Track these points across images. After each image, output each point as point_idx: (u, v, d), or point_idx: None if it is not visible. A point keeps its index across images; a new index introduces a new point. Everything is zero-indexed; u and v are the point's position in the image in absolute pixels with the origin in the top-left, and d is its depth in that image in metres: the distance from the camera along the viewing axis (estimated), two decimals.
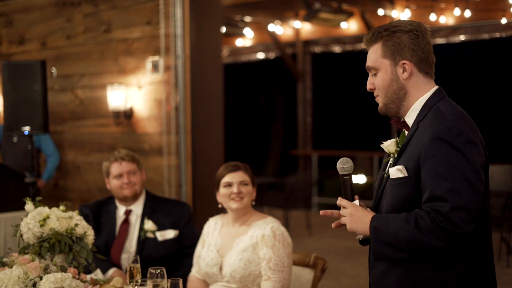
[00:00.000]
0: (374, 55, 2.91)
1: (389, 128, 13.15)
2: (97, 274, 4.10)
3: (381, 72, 2.90)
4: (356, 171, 14.05)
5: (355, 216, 2.86)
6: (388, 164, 2.94)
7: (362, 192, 13.51)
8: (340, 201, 2.94)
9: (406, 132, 2.91)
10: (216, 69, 6.90)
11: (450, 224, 2.60)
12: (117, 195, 4.74)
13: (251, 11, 12.48)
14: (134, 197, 4.73)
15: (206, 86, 6.73)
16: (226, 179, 4.14)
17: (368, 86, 2.97)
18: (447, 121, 2.72)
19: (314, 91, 14.57)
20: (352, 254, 9.43)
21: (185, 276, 4.32)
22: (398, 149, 2.88)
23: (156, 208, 4.75)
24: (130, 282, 3.65)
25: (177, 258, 4.68)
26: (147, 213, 4.71)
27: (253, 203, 4.21)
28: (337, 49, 13.43)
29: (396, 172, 2.80)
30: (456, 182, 2.64)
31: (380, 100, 2.95)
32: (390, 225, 2.73)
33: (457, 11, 10.93)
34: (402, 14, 11.83)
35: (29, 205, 3.64)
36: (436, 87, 2.93)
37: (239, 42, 14.10)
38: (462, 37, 11.75)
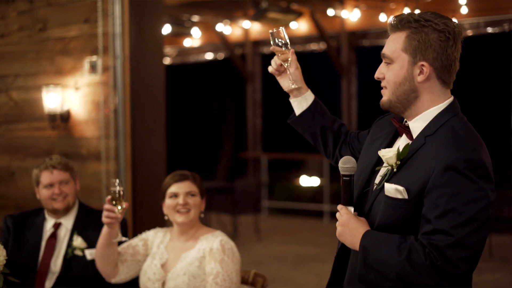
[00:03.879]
0: (394, 45, 2.63)
1: None
2: None
3: (396, 66, 2.63)
4: (306, 174, 13.87)
5: (347, 228, 2.64)
6: (383, 175, 2.64)
7: (314, 195, 13.44)
8: (338, 206, 2.72)
9: (402, 141, 2.66)
10: (158, 69, 6.64)
11: (447, 262, 2.38)
12: (47, 207, 4.39)
13: (199, 10, 12.28)
14: (66, 210, 4.39)
15: (147, 87, 6.46)
16: (172, 189, 3.89)
17: (377, 75, 2.70)
18: (467, 150, 2.45)
19: (264, 92, 14.41)
20: (302, 261, 9.22)
21: None
22: (399, 162, 2.59)
23: (89, 223, 4.37)
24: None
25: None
26: (77, 228, 4.34)
27: (202, 215, 3.95)
28: None
29: (394, 191, 2.53)
30: (464, 218, 2.39)
31: (386, 93, 2.68)
32: (381, 249, 2.50)
33: (407, 12, 10.79)
34: (351, 14, 11.71)
35: None
36: (451, 98, 2.66)
37: (187, 42, 13.86)
38: None
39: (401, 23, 2.62)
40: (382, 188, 2.62)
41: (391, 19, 2.69)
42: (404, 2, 10.82)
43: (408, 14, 2.64)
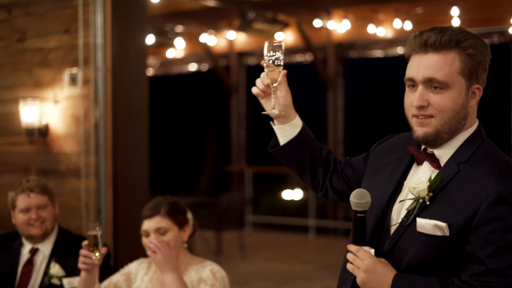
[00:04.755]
0: (448, 67, 2.28)
1: (324, 141, 12.80)
2: None
3: (453, 92, 2.29)
4: (291, 187, 13.67)
5: (374, 274, 2.28)
6: (411, 209, 2.33)
7: (300, 210, 13.23)
8: (351, 246, 2.35)
9: (425, 170, 2.38)
10: (141, 82, 6.42)
11: None
12: (23, 233, 4.10)
13: (182, 20, 12.10)
14: (44, 236, 4.09)
15: (130, 101, 6.25)
16: (144, 226, 3.60)
17: (420, 103, 2.32)
18: None
19: (249, 104, 14.20)
20: (288, 279, 9.01)
21: None
22: (431, 194, 2.27)
23: (68, 249, 4.06)
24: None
25: None
26: (55, 255, 4.04)
27: (185, 245, 3.67)
28: None
29: (432, 228, 2.23)
30: None
31: (433, 124, 2.32)
32: None
33: (397, 23, 10.68)
34: (339, 25, 11.55)
35: None
36: (477, 122, 2.38)
37: (171, 53, 13.64)
38: (400, 50, 11.49)
39: (451, 40, 2.30)
40: (410, 224, 2.32)
41: (432, 36, 2.32)
42: (394, 14, 10.67)
43: (448, 29, 2.34)
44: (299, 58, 12.97)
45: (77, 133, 6.17)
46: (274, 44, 2.63)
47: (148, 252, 3.55)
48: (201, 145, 18.07)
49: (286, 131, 2.73)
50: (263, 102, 2.74)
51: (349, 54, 12.53)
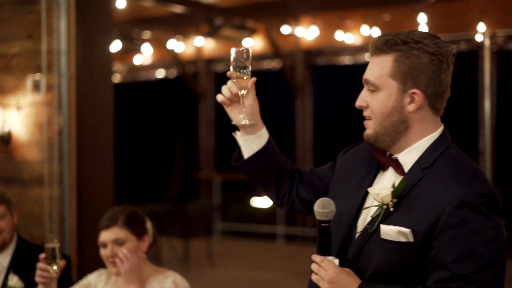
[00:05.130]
0: (380, 70, 2.30)
1: (292, 148, 12.81)
2: None
3: (383, 94, 2.30)
4: (258, 194, 13.62)
5: (337, 284, 2.23)
6: (375, 216, 2.29)
7: (268, 217, 13.19)
8: (315, 257, 2.28)
9: (390, 176, 2.33)
10: (107, 89, 6.34)
11: None
12: None
13: (149, 26, 12.04)
14: (1, 247, 3.98)
15: (95, 107, 6.17)
16: (101, 237, 3.52)
17: (359, 103, 2.36)
18: (479, 182, 2.15)
19: (217, 111, 14.15)
20: (256, 287, 8.99)
21: None
22: (395, 200, 2.23)
23: (27, 260, 3.93)
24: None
25: None
26: (14, 266, 3.94)
27: (145, 256, 3.57)
28: None
29: (396, 234, 2.18)
30: (485, 261, 2.07)
31: (371, 126, 2.33)
32: None
33: (365, 30, 10.70)
34: (307, 31, 11.55)
35: None
36: (443, 127, 2.35)
37: (138, 59, 13.54)
38: (368, 57, 11.51)
39: (387, 45, 2.31)
40: (374, 231, 2.28)
41: (373, 42, 2.36)
42: (362, 20, 10.69)
43: (394, 34, 2.32)
44: (267, 65, 12.94)
45: (40, 141, 6.07)
46: (241, 51, 2.55)
47: (108, 262, 3.47)
48: (170, 152, 17.99)
49: (252, 142, 2.64)
50: (228, 110, 2.66)
51: (317, 61, 12.52)
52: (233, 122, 2.63)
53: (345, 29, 11.20)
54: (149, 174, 18.84)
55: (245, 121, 2.59)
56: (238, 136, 2.66)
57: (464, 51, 11.16)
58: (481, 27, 10.23)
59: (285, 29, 11.63)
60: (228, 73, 2.58)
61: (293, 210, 2.75)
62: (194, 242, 11.06)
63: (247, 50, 2.55)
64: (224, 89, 2.62)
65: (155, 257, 10.12)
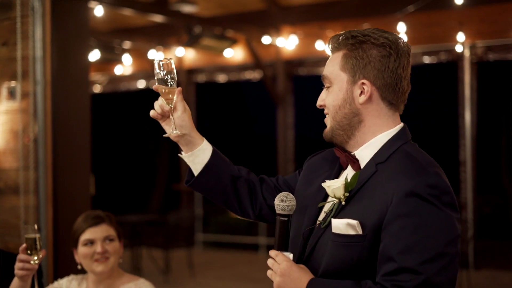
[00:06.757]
0: (333, 66, 2.36)
1: (274, 159, 12.77)
2: None
3: (335, 88, 2.33)
4: None
5: (289, 278, 2.20)
6: (328, 211, 2.27)
7: (250, 228, 13.13)
8: (271, 252, 2.27)
9: (349, 172, 2.31)
10: (83, 97, 6.28)
11: None
12: None
13: (130, 36, 11.98)
14: None
15: (71, 115, 6.11)
16: (87, 235, 3.43)
17: (318, 103, 2.39)
18: (429, 174, 2.12)
19: (199, 121, 14.11)
20: None
21: None
22: (347, 194, 2.22)
23: (2, 270, 3.91)
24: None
25: None
26: None
27: (121, 260, 3.52)
28: (222, 78, 13.00)
29: (345, 227, 2.16)
30: (433, 253, 2.03)
31: (328, 122, 2.37)
32: None
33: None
34: (287, 42, 11.54)
35: None
36: (402, 124, 2.34)
37: (118, 70, 13.48)
38: None
39: (339, 41, 2.36)
40: (327, 226, 2.26)
41: (329, 40, 2.42)
42: (342, 30, 10.46)
43: (347, 31, 2.36)
44: (248, 75, 12.90)
45: (15, 149, 6.00)
46: (163, 62, 2.47)
47: (92, 261, 3.41)
48: (152, 163, 17.91)
49: (197, 157, 2.59)
50: (163, 125, 2.62)
51: (298, 71, 12.50)
52: (164, 135, 2.58)
53: (326, 39, 11.19)
54: (132, 185, 18.75)
55: (176, 132, 2.52)
56: (183, 156, 2.61)
57: (444, 62, 11.18)
58: (461, 37, 10.26)
59: (266, 39, 11.62)
60: (153, 87, 2.52)
61: (262, 219, 2.68)
62: (175, 253, 10.99)
63: (169, 60, 2.48)
64: (156, 104, 2.57)
65: (136, 268, 10.04)
